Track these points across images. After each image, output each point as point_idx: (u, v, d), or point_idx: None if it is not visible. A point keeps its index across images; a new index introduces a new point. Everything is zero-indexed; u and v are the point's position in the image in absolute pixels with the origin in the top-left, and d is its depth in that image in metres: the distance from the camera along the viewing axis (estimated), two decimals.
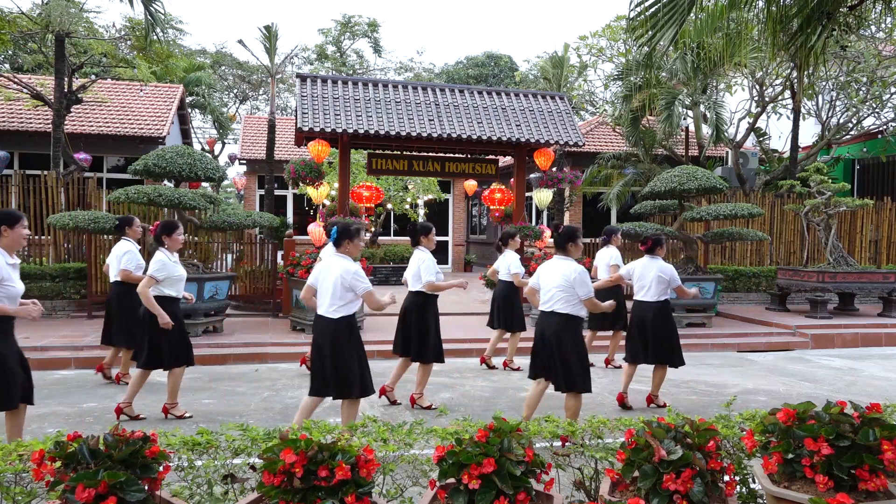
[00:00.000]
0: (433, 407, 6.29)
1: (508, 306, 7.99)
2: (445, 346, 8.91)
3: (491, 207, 12.53)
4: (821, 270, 11.53)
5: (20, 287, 4.22)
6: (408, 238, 21.94)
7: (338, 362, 4.63)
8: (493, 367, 8.17)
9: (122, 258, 6.64)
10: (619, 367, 8.29)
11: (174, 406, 5.88)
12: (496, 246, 8.32)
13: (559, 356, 5.02)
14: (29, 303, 4.27)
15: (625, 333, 7.63)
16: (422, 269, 6.12)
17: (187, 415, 5.89)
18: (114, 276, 6.77)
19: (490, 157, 12.67)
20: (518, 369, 8.03)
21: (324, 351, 4.65)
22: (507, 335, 8.20)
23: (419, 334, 6.15)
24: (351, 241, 4.75)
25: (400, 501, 2.98)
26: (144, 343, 5.68)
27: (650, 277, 6.29)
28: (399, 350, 6.33)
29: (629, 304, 6.75)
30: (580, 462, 3.18)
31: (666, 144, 16.43)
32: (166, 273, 5.61)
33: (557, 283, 5.01)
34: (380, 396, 6.46)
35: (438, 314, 6.36)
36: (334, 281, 4.62)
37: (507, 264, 7.91)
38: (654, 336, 6.25)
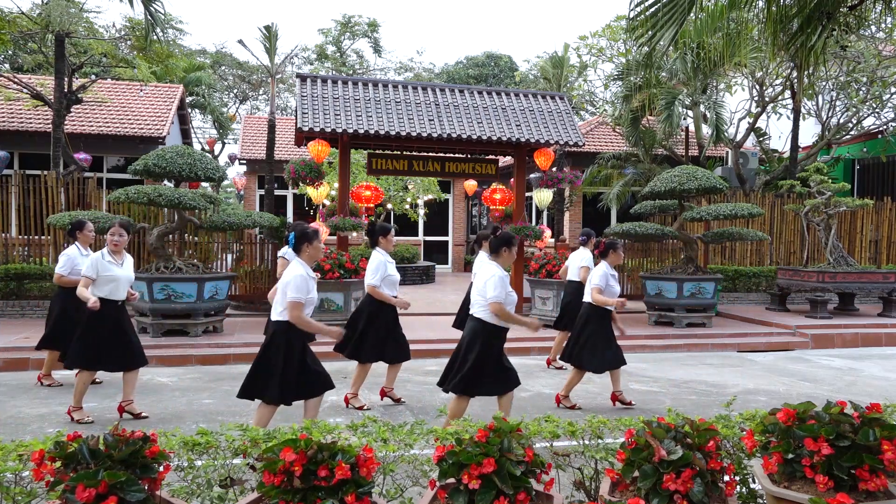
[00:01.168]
0: (367, 407, 6.25)
1: None
2: (445, 346, 8.97)
3: (491, 207, 12.53)
4: (821, 270, 11.53)
5: None
6: (409, 238, 21.83)
7: (257, 362, 4.54)
8: None
9: (58, 261, 6.63)
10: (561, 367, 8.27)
11: (78, 409, 5.72)
12: (471, 247, 8.19)
13: (462, 358, 4.86)
14: None
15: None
16: (368, 270, 6.04)
17: (88, 419, 5.70)
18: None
19: (490, 157, 12.67)
20: None
21: (267, 353, 4.56)
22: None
23: (361, 334, 6.05)
24: (310, 244, 4.61)
25: (400, 501, 2.98)
26: (76, 343, 5.60)
27: (591, 281, 6.38)
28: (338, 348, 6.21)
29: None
30: (580, 462, 3.19)
31: (666, 144, 16.44)
32: (94, 272, 5.51)
33: (478, 289, 4.89)
34: (381, 399, 6.48)
35: (393, 318, 6.18)
36: (283, 285, 4.49)
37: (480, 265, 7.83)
38: (575, 335, 6.32)
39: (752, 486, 3.16)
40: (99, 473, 2.25)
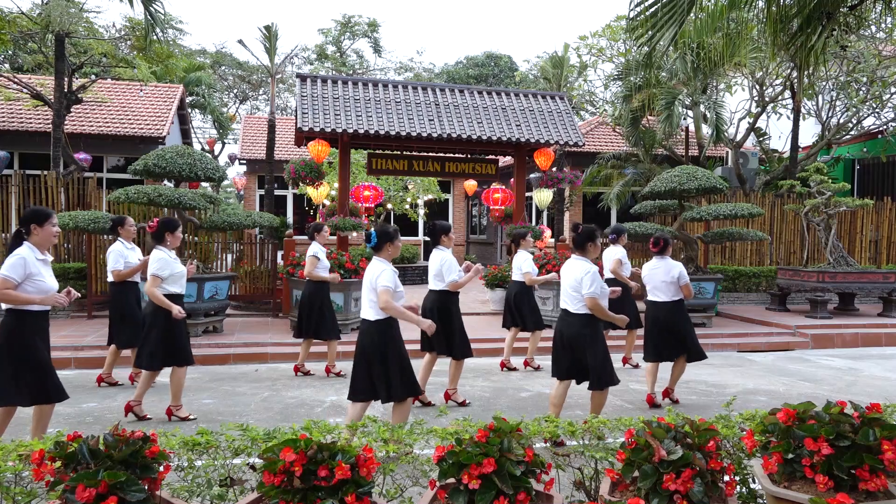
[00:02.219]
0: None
1: (522, 305, 7.98)
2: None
3: (491, 207, 12.53)
4: (821, 270, 11.53)
5: (52, 283, 4.39)
6: (409, 238, 21.93)
7: (382, 364, 4.61)
8: (514, 369, 8.11)
9: (108, 259, 6.70)
10: (637, 365, 8.35)
11: (178, 408, 5.84)
12: (508, 247, 8.36)
13: (579, 355, 5.12)
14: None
15: (639, 331, 7.74)
16: (444, 269, 6.14)
17: (191, 416, 5.86)
18: (110, 278, 6.80)
19: (490, 157, 12.67)
20: (538, 368, 8.10)
21: (367, 354, 4.65)
22: (528, 334, 8.22)
23: (445, 332, 6.15)
24: (392, 244, 4.77)
25: (400, 501, 2.98)
26: (144, 343, 5.68)
27: (660, 278, 6.39)
28: (426, 347, 6.38)
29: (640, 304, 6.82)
30: (580, 462, 3.18)
31: (666, 144, 16.43)
32: (169, 270, 5.65)
33: (570, 283, 5.11)
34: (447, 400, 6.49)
35: (460, 311, 6.39)
36: (372, 281, 4.64)
37: (519, 264, 7.95)
38: (671, 335, 6.37)
39: (752, 486, 3.16)
40: (99, 473, 2.25)
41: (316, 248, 7.46)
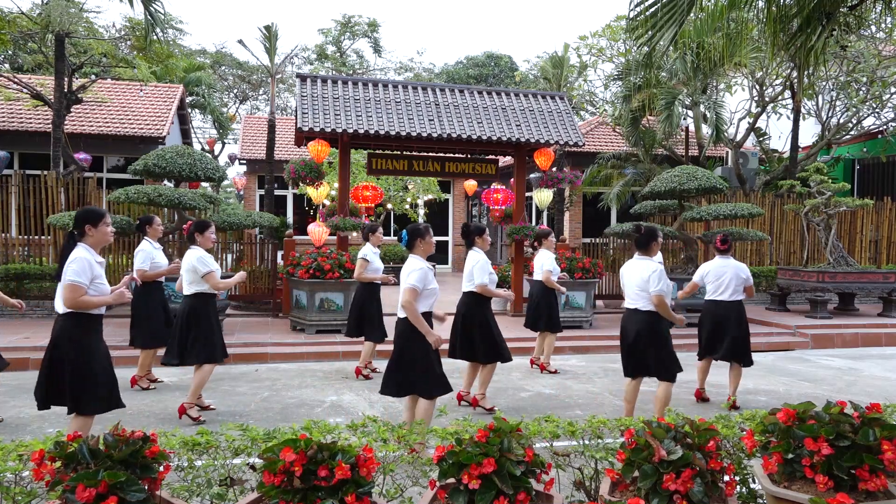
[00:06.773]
0: (495, 409, 6.17)
1: (544, 306, 7.79)
2: (445, 346, 8.98)
3: (491, 207, 12.52)
4: (821, 270, 11.53)
5: (108, 287, 4.26)
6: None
7: (404, 360, 4.69)
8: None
9: (136, 259, 6.71)
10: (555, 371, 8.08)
11: (192, 406, 5.81)
12: (531, 245, 8.20)
13: (651, 351, 5.34)
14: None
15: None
16: (474, 270, 5.89)
17: (202, 418, 5.84)
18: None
19: (490, 157, 12.67)
20: (555, 372, 7.98)
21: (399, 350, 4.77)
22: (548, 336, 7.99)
23: (468, 336, 5.95)
24: (423, 240, 4.84)
25: (400, 501, 2.98)
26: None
27: (728, 277, 6.48)
28: (459, 355, 6.07)
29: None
30: (580, 462, 3.18)
31: (666, 144, 16.43)
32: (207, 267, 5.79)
33: (636, 283, 5.32)
34: (459, 403, 6.31)
35: (488, 316, 6.04)
36: (405, 276, 4.71)
37: (541, 263, 7.74)
38: (732, 335, 6.50)
39: (752, 486, 3.16)
40: (99, 473, 2.25)
41: (366, 250, 7.41)
